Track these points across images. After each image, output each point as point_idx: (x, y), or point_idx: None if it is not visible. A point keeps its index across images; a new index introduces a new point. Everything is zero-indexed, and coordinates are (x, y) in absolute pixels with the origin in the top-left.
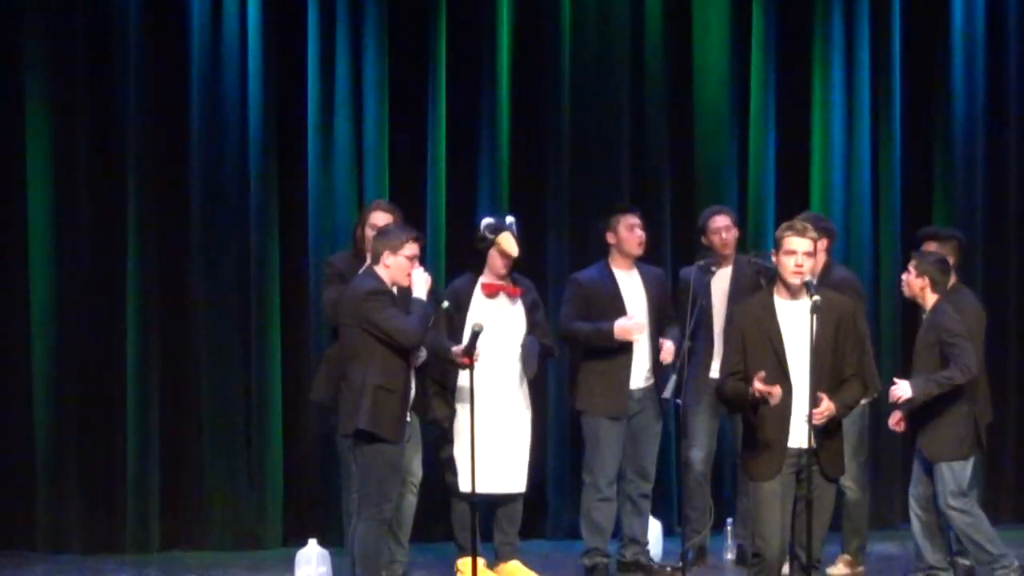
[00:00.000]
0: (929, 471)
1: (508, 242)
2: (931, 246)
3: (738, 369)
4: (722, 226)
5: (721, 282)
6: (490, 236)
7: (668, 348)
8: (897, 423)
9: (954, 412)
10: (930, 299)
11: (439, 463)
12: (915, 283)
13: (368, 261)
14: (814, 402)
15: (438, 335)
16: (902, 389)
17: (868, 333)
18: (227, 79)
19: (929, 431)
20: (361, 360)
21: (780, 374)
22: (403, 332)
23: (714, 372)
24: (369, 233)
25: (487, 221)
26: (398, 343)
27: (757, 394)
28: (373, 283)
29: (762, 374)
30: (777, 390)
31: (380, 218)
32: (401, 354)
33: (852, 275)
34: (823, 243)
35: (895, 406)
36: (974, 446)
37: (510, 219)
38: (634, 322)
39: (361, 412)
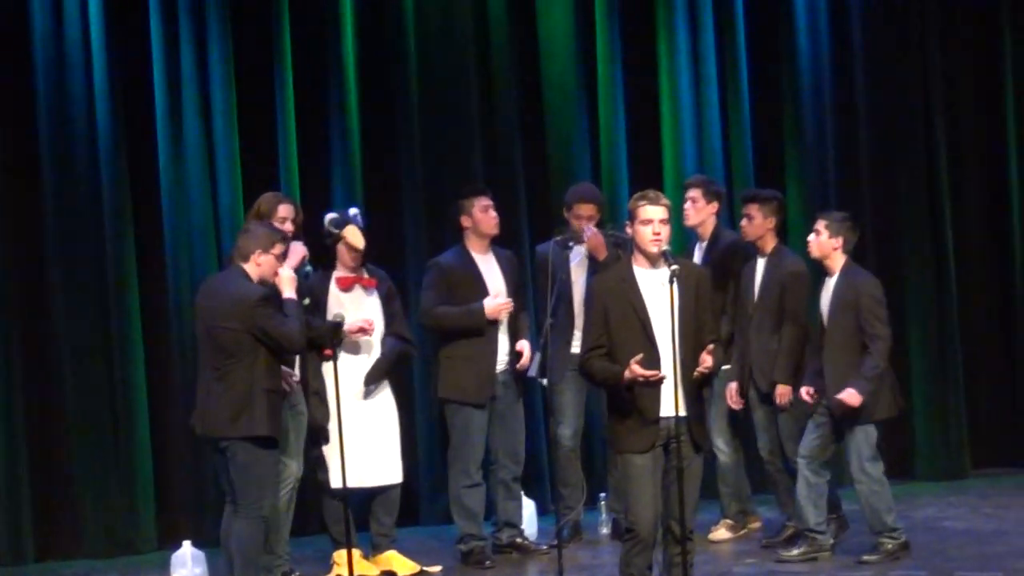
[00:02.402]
0: (839, 437)
1: (353, 235)
2: (752, 208)
3: (601, 343)
4: (586, 215)
5: (579, 256)
6: (335, 231)
7: (526, 356)
8: (808, 393)
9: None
10: (839, 260)
11: (308, 460)
12: (827, 244)
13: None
14: (686, 369)
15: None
16: (851, 398)
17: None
18: (72, 85)
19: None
20: (245, 363)
21: (647, 344)
22: (291, 338)
23: (576, 347)
24: (285, 226)
25: (330, 216)
26: (286, 349)
27: (640, 379)
28: (259, 289)
29: (639, 357)
30: (659, 374)
31: (286, 210)
32: (279, 355)
33: (740, 237)
34: (712, 206)
35: (840, 406)
36: (894, 405)
37: (354, 210)
38: (503, 301)
39: (256, 417)
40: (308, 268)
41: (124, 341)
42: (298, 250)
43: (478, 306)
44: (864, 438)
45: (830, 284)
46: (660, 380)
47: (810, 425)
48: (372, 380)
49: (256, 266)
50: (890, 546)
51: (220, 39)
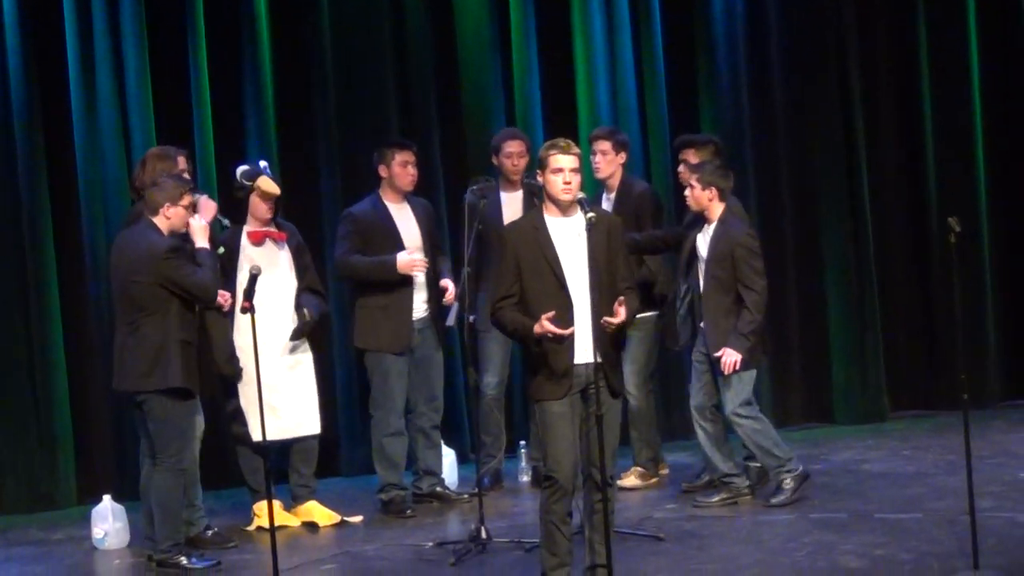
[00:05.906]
0: (715, 381)
1: (268, 184)
2: (689, 153)
3: (512, 292)
4: (515, 151)
5: (512, 206)
6: (247, 183)
7: (451, 291)
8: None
9: None
10: (717, 209)
11: (225, 414)
12: (701, 196)
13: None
14: (599, 317)
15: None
16: (729, 357)
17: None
18: None
19: (721, 344)
20: (157, 315)
21: (559, 292)
22: (203, 288)
23: None
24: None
25: (242, 168)
26: (198, 299)
27: (550, 336)
28: (167, 240)
29: (551, 314)
30: (569, 331)
31: (184, 162)
32: (192, 306)
33: (649, 186)
34: (621, 157)
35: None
36: (762, 354)
37: (263, 163)
38: (417, 257)
39: (171, 369)
40: (226, 222)
41: (41, 296)
42: (210, 205)
43: (391, 259)
44: (737, 382)
45: (708, 231)
46: (567, 336)
47: (693, 375)
48: (295, 338)
49: (166, 219)
50: (790, 482)
51: None
